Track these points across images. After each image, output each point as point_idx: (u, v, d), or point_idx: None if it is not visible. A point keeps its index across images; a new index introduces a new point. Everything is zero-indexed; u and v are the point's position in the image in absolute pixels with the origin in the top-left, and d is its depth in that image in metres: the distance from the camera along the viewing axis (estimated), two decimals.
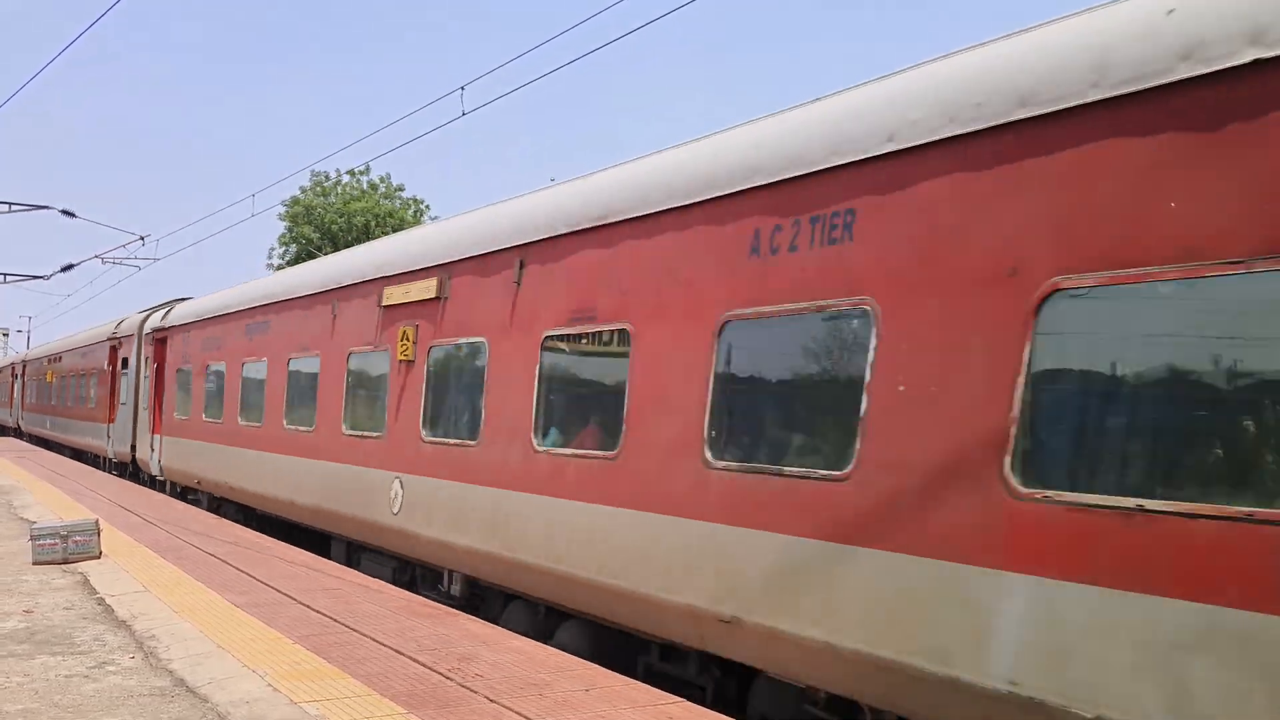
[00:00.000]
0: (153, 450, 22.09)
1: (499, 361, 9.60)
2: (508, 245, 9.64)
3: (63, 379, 33.04)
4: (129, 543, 13.01)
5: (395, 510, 11.17)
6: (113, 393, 25.93)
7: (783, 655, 6.26)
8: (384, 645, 7.77)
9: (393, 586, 10.70)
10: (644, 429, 7.58)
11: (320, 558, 12.66)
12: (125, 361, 24.69)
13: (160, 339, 22.15)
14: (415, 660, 7.33)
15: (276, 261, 48.03)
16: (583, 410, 8.90)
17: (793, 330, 6.48)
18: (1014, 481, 4.95)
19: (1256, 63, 4.31)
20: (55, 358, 34.88)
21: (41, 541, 11.68)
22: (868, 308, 5.90)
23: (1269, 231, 4.16)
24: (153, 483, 22.25)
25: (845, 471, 5.86)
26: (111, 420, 25.96)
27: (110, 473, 25.41)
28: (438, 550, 10.46)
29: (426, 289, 10.96)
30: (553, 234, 8.98)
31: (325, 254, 27.38)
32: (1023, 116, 5.17)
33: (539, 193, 9.98)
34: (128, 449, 24.05)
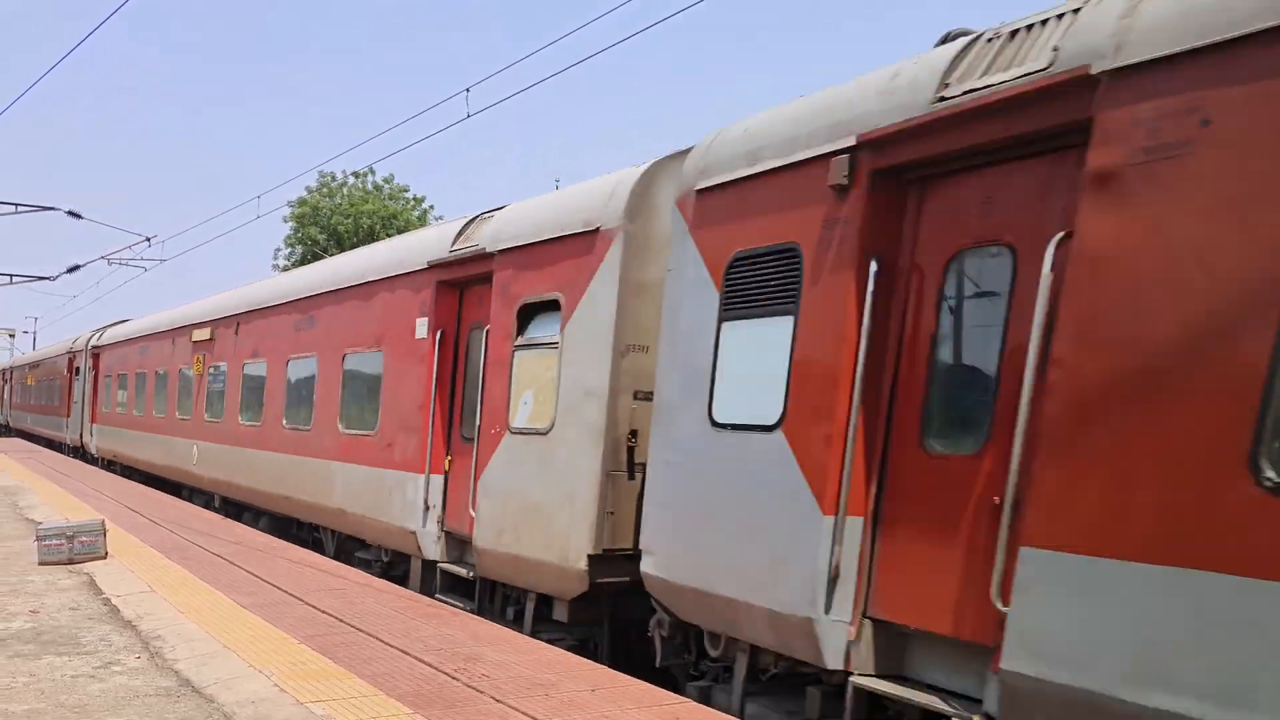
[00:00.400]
0: (91, 435, 30.06)
1: (231, 375, 17.95)
2: (233, 313, 18.10)
3: (38, 383, 40.90)
4: (135, 543, 13.03)
5: (194, 463, 19.66)
6: (69, 393, 33.34)
7: (305, 512, 14.31)
8: (390, 645, 7.77)
9: (397, 587, 10.71)
10: (272, 409, 15.70)
11: (324, 557, 12.69)
12: (78, 370, 32.00)
13: (96, 353, 29.59)
14: (421, 660, 7.33)
15: (282, 263, 48.05)
16: (256, 401, 16.54)
17: (308, 363, 14.31)
18: (340, 427, 13.00)
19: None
20: (34, 365, 42.97)
21: (47, 542, 11.68)
22: (316, 357, 13.98)
23: (372, 339, 12.36)
24: (94, 460, 29.65)
25: (309, 428, 14.01)
26: (68, 415, 33.46)
27: (68, 455, 32.53)
28: (211, 484, 18.93)
29: (207, 333, 19.39)
30: (247, 310, 17.41)
31: (332, 254, 27.57)
32: (346, 285, 13.40)
33: (246, 287, 18.77)
34: (79, 436, 31.80)
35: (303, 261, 42.54)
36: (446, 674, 6.95)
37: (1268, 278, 4.11)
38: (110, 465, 27.66)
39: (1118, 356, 4.66)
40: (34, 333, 71.87)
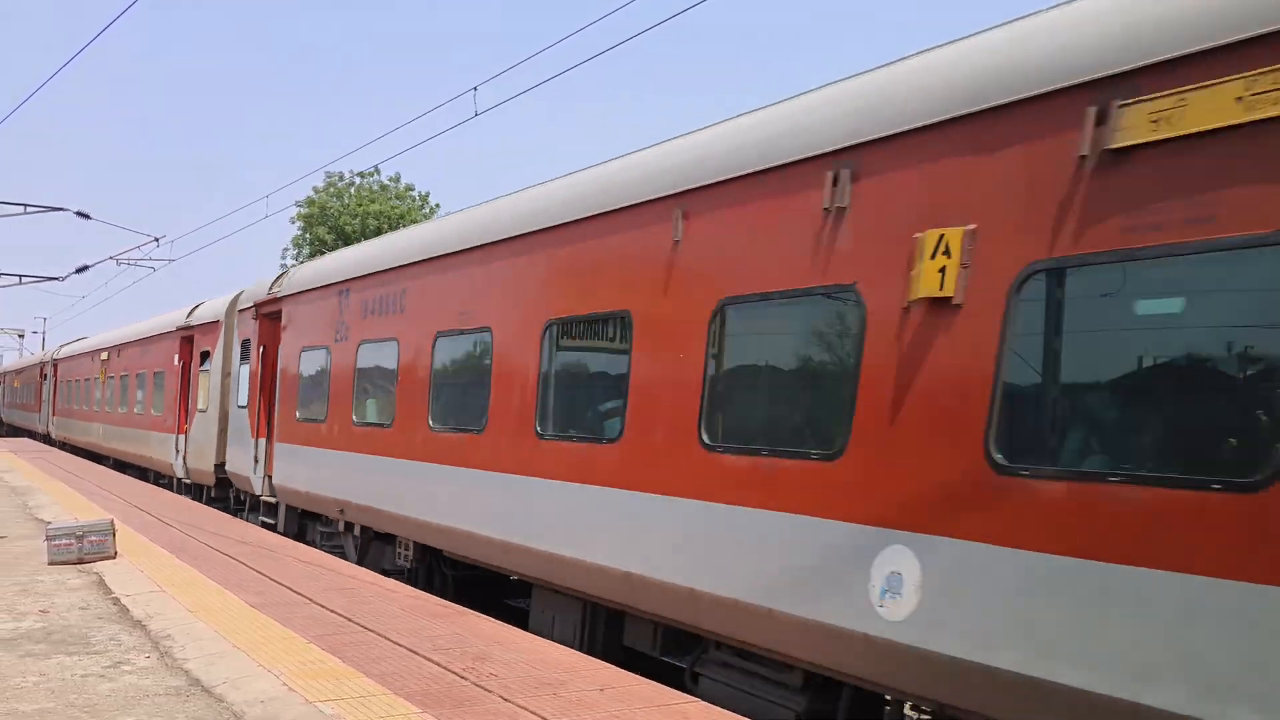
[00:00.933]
0: (52, 426, 41.27)
1: (115, 382, 28.88)
2: (115, 344, 29.36)
3: (22, 386, 54.55)
4: (144, 543, 13.06)
5: (100, 438, 30.97)
6: (40, 394, 45.33)
7: (142, 462, 25.81)
8: (398, 645, 7.77)
9: (406, 586, 10.72)
10: (129, 402, 27.58)
11: (334, 557, 12.70)
12: (45, 376, 43.50)
13: (55, 363, 40.96)
14: (430, 660, 7.33)
15: (290, 263, 48.11)
16: (124, 397, 27.74)
17: (142, 376, 25.81)
18: (152, 412, 24.67)
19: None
20: (19, 371, 57.61)
21: (57, 542, 11.71)
22: (146, 372, 25.47)
23: (161, 365, 24.49)
24: (53, 443, 39.68)
25: (142, 412, 25.54)
26: (39, 410, 45.54)
27: (39, 440, 43.12)
28: (108, 451, 29.92)
29: (106, 356, 30.31)
30: (119, 343, 29.12)
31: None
32: (154, 334, 25.34)
33: (123, 328, 30.37)
34: (45, 426, 43.34)
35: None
36: (455, 673, 6.95)
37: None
38: (63, 447, 37.72)
39: (286, 385, 15.77)
40: (43, 333, 72.07)
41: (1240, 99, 4.32)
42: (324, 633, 8.12)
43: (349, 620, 8.64)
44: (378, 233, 44.73)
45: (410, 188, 49.11)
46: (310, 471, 14.20)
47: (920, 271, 5.59)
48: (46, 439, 42.00)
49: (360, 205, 47.17)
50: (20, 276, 38.39)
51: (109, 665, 7.34)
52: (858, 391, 5.94)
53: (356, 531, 13.05)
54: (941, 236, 5.52)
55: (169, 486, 22.80)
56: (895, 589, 5.62)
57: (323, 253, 41.48)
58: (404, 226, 45.38)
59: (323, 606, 9.20)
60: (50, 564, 11.56)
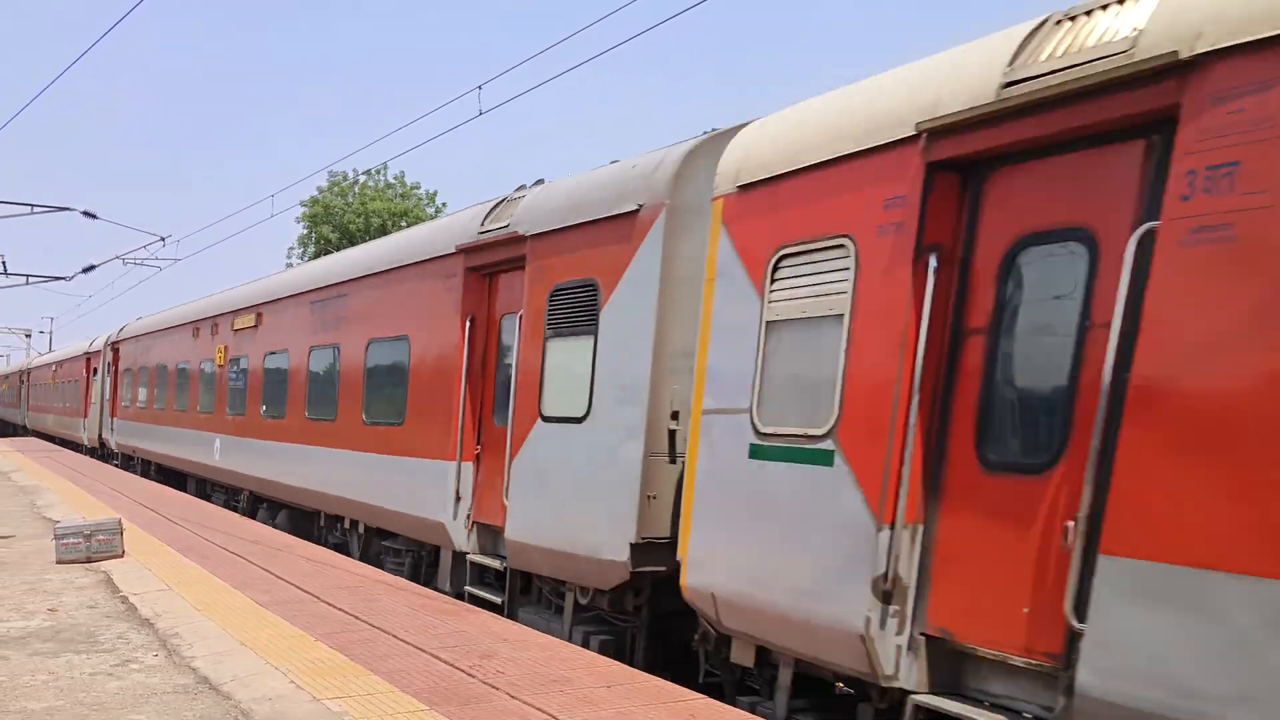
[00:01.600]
0: (28, 420, 52.33)
1: (62, 387, 40.00)
2: (62, 359, 41.10)
3: (9, 389, 67.06)
4: (152, 541, 13.08)
5: (52, 425, 43.02)
6: (19, 395, 58.58)
7: (75, 439, 36.23)
8: (405, 642, 7.78)
9: (413, 584, 10.73)
10: (71, 399, 37.86)
11: (340, 555, 12.73)
12: (24, 381, 56.24)
13: (30, 370, 52.93)
14: (436, 657, 7.33)
15: (296, 261, 48.14)
16: (63, 395, 40.13)
17: (70, 382, 37.68)
18: (76, 405, 35.98)
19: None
20: (5, 377, 70.57)
21: (65, 540, 11.75)
22: (69, 381, 38.10)
23: (76, 377, 37.22)
24: (29, 432, 50.35)
25: (68, 405, 38.21)
26: (19, 407, 57.76)
27: (22, 434, 52.63)
28: (55, 432, 42.26)
29: (55, 367, 42.41)
30: (63, 359, 41.04)
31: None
32: (77, 354, 37.24)
33: (63, 349, 47.21)
34: (24, 420, 54.67)
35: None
36: (462, 671, 6.96)
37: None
38: (36, 434, 47.96)
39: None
40: (50, 333, 72.19)
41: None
42: (331, 630, 8.13)
43: (356, 618, 8.65)
44: (382, 230, 44.83)
45: (416, 186, 49.17)
46: (126, 433, 27.06)
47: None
48: (24, 429, 54.97)
49: (364, 204, 47.21)
50: (27, 276, 38.39)
51: (117, 663, 7.36)
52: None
53: (139, 462, 25.76)
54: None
55: (79, 451, 34.26)
56: (217, 451, 18.35)
57: (328, 251, 41.73)
58: (407, 224, 45.63)
59: (329, 604, 9.22)
60: (58, 563, 11.59)
